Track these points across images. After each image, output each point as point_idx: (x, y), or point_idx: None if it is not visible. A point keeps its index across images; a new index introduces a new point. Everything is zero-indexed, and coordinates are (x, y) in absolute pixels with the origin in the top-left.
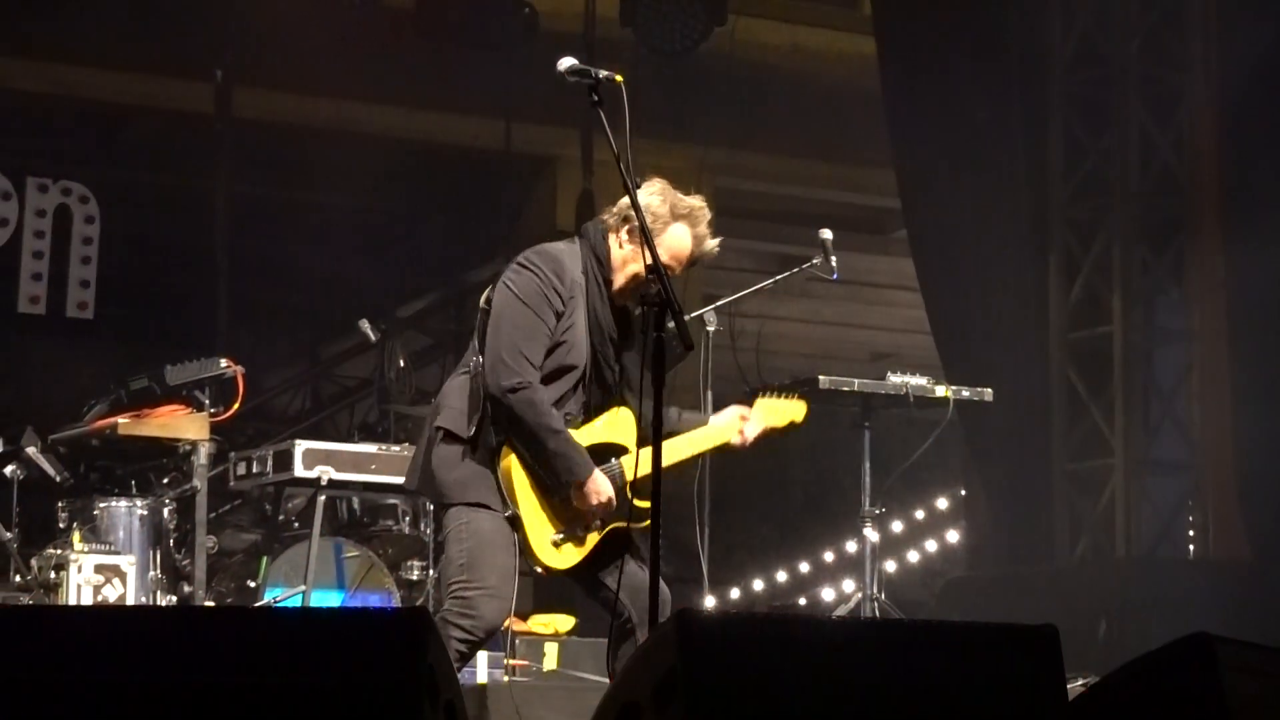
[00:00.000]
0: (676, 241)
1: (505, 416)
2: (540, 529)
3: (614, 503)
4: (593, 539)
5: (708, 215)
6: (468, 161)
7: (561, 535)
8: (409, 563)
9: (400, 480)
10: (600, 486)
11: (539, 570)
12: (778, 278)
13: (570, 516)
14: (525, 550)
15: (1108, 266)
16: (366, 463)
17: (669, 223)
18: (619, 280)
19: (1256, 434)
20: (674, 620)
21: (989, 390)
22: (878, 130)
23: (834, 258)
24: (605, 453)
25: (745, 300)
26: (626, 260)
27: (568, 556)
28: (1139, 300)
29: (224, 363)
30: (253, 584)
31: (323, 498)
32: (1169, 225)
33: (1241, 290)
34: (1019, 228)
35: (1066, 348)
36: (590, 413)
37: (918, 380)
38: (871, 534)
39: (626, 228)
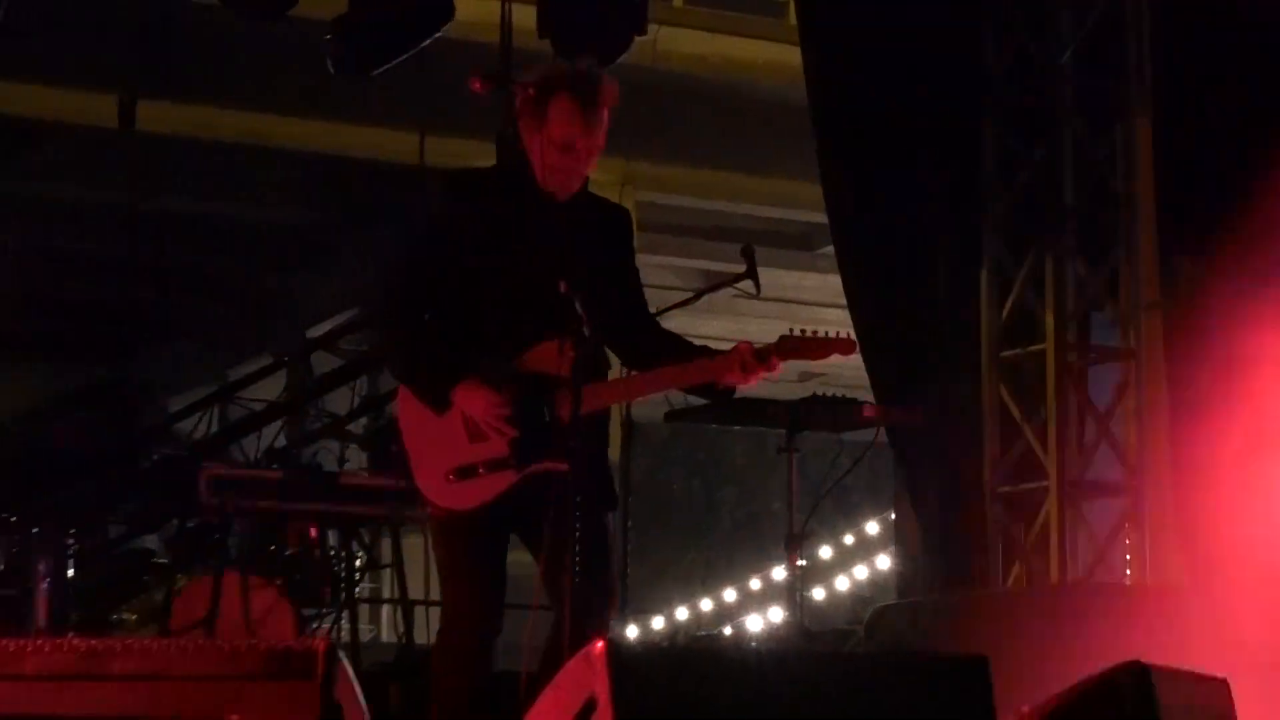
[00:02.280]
0: (561, 119)
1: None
2: (432, 466)
3: (500, 408)
4: (503, 480)
5: (590, 68)
6: (381, 175)
7: (456, 472)
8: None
9: (314, 507)
10: (472, 393)
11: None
12: (701, 294)
13: (466, 449)
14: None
15: (1041, 282)
16: (275, 490)
17: (546, 103)
18: (541, 170)
19: (1194, 456)
20: (604, 652)
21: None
22: (805, 143)
23: (759, 273)
24: (535, 387)
25: (668, 317)
26: (531, 141)
27: (467, 496)
28: (1073, 317)
29: None
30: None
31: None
32: (1104, 240)
33: (1178, 308)
34: (950, 242)
35: (999, 366)
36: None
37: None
38: (799, 560)
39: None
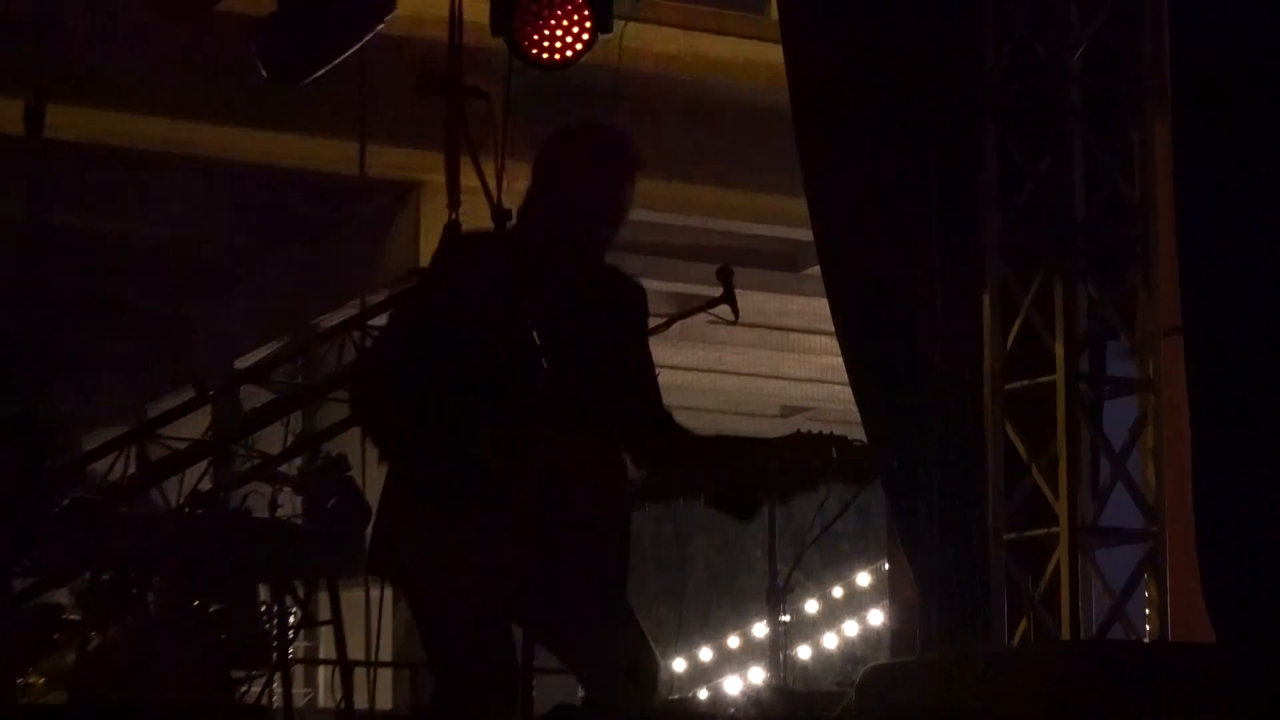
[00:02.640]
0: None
1: None
2: None
3: None
4: None
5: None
6: (317, 188)
7: None
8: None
9: (243, 557)
10: None
11: None
12: (674, 320)
13: None
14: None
15: (1049, 305)
16: (199, 537)
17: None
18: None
19: (1220, 499)
20: None
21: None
22: (788, 152)
23: (738, 297)
24: None
25: None
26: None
27: None
28: (1085, 346)
29: None
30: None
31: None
32: (1119, 259)
33: (1201, 334)
34: (949, 261)
35: (1003, 399)
36: None
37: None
38: (782, 615)
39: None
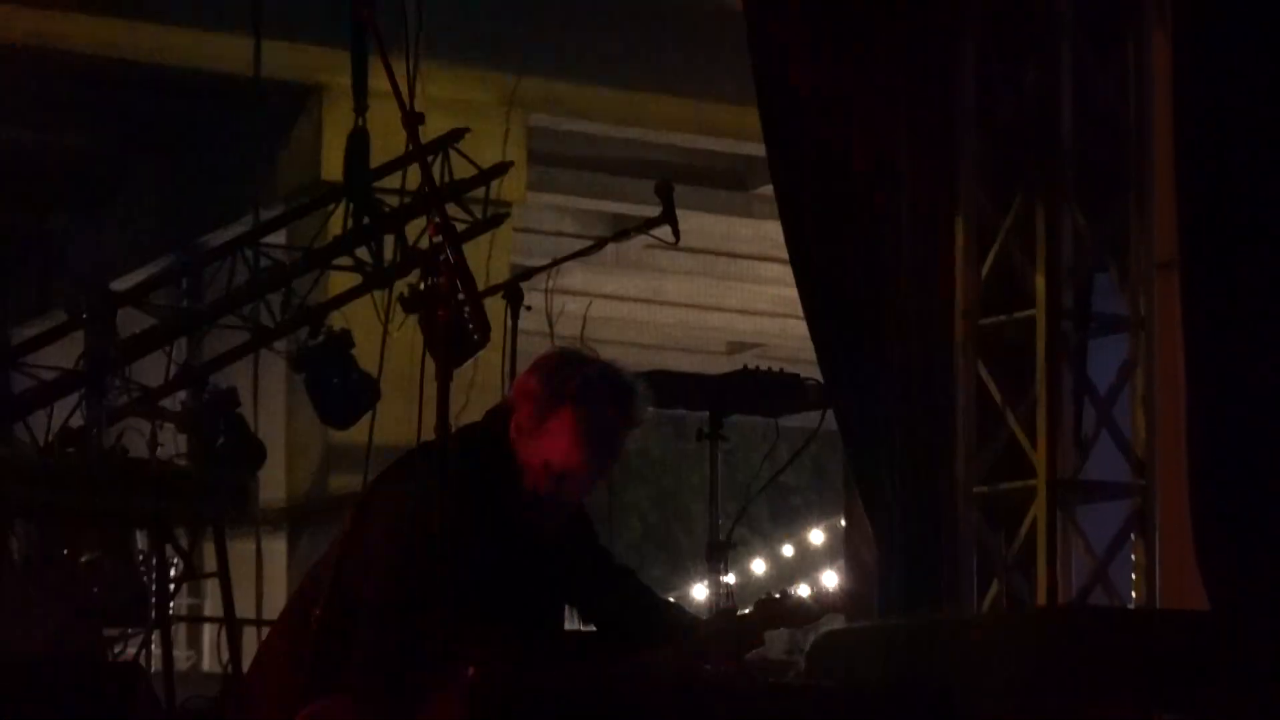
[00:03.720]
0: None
1: None
2: None
3: None
4: None
5: (619, 375)
6: (204, 90)
7: None
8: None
9: (118, 501)
10: None
11: None
12: (606, 242)
13: None
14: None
15: (1029, 234)
16: (69, 478)
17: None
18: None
19: (1217, 451)
20: (468, 687)
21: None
22: (737, 55)
23: (679, 217)
24: None
25: (566, 271)
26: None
27: None
28: (1070, 279)
29: None
30: None
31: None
32: (1109, 184)
33: (1199, 268)
34: (918, 181)
35: (976, 337)
36: None
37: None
38: (724, 575)
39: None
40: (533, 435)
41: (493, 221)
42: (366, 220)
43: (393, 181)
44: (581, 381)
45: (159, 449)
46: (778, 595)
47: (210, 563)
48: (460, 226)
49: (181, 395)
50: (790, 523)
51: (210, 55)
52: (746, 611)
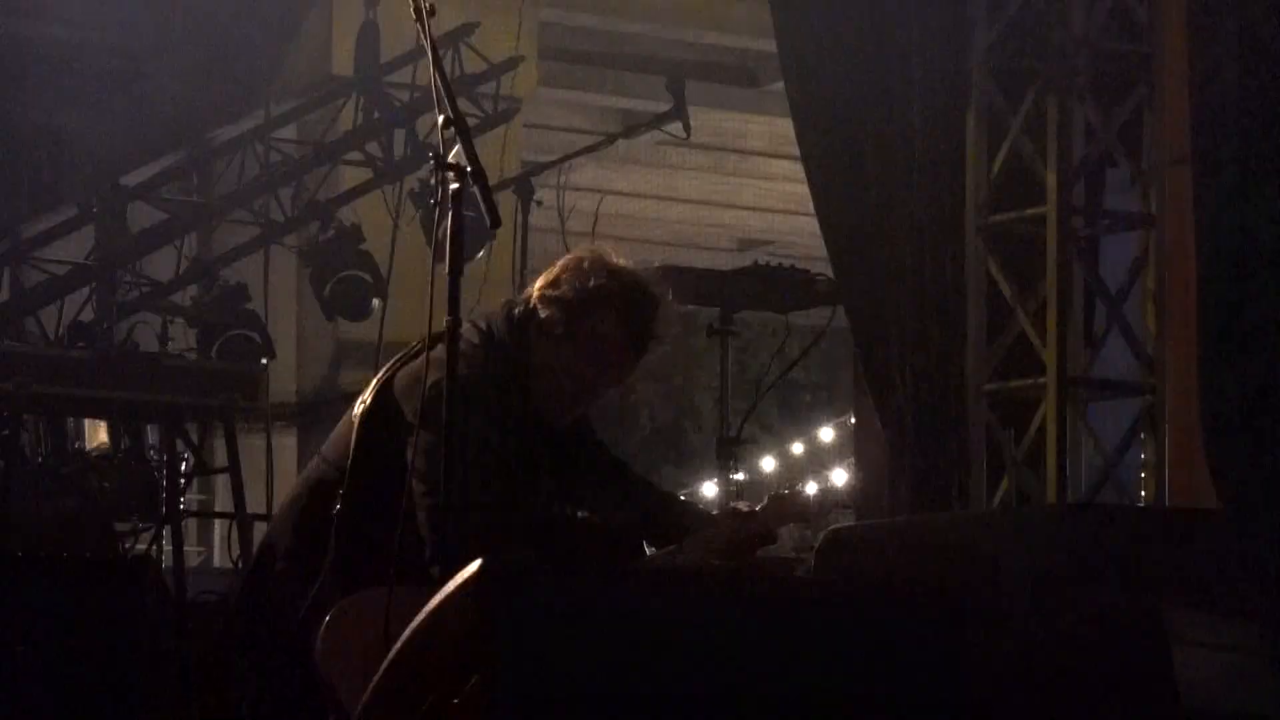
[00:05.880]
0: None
1: None
2: None
3: None
4: None
5: (647, 286)
6: None
7: None
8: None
9: (128, 395)
10: None
11: None
12: (617, 138)
13: None
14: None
15: (1041, 130)
16: (79, 373)
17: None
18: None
19: (1228, 348)
20: (478, 580)
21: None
22: None
23: (690, 114)
24: None
25: (577, 168)
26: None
27: None
28: (1081, 175)
29: None
30: None
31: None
32: (1121, 78)
33: (1212, 164)
34: (929, 78)
35: (986, 234)
36: None
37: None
38: (734, 473)
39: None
40: (558, 340)
41: (503, 116)
42: (376, 115)
43: (403, 76)
44: (612, 290)
45: (169, 343)
46: (787, 492)
47: (221, 458)
48: (471, 121)
49: (191, 290)
50: (800, 420)
51: None
52: (757, 508)
